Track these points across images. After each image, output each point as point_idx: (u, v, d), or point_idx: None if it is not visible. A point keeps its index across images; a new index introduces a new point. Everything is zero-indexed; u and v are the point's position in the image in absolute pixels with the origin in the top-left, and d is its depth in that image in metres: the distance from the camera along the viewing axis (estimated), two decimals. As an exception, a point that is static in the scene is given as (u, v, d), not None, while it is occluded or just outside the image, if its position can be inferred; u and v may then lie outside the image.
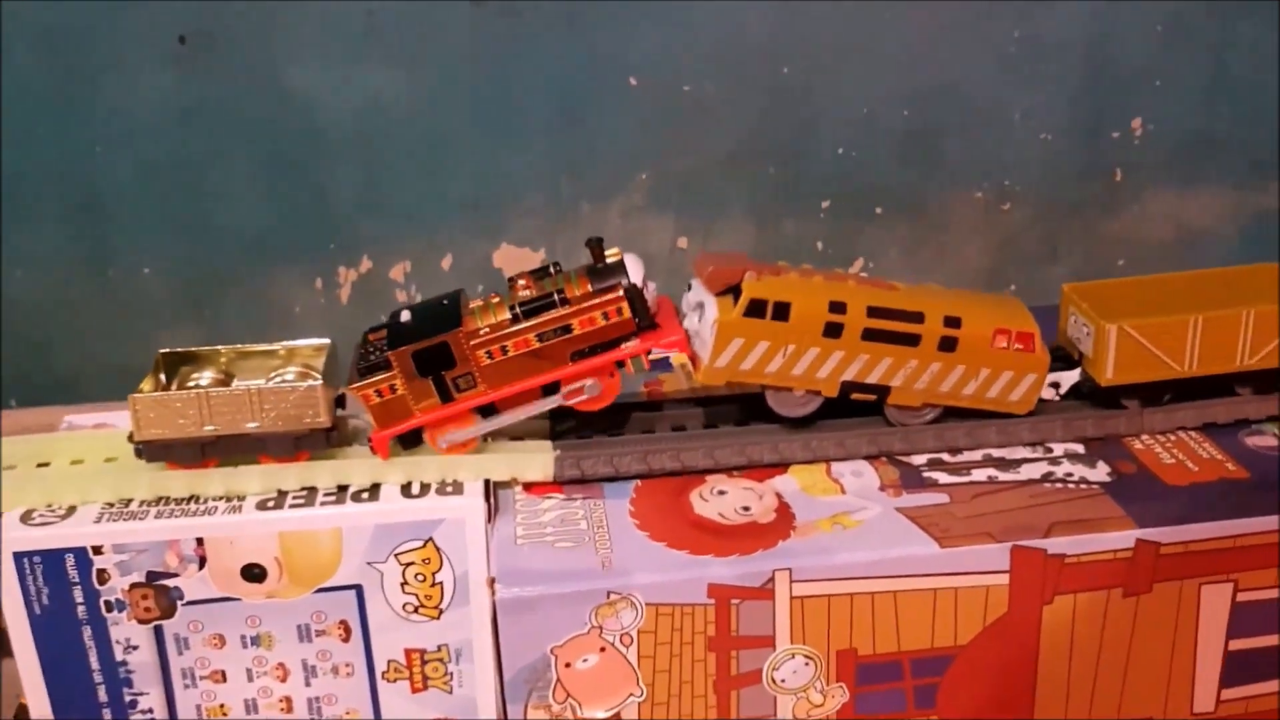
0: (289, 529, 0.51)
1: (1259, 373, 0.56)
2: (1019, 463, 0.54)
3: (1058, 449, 0.55)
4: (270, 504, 0.52)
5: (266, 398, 0.51)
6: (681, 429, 0.57)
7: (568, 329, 0.51)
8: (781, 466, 0.55)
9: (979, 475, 0.54)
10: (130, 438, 0.52)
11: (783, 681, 0.50)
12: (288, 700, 0.54)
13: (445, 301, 0.53)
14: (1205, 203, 1.09)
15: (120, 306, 0.99)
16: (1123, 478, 0.53)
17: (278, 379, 0.55)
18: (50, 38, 0.91)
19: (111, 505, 0.51)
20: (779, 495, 0.53)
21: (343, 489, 0.53)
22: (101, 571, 0.51)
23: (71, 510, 0.51)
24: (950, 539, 0.49)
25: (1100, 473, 0.53)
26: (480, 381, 0.52)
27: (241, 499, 0.52)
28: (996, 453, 0.55)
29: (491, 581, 0.49)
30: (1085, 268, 1.08)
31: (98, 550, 0.50)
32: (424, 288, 1.08)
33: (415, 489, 0.52)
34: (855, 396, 0.54)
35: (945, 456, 0.55)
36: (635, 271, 0.52)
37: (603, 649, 0.49)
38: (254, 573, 0.51)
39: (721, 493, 0.53)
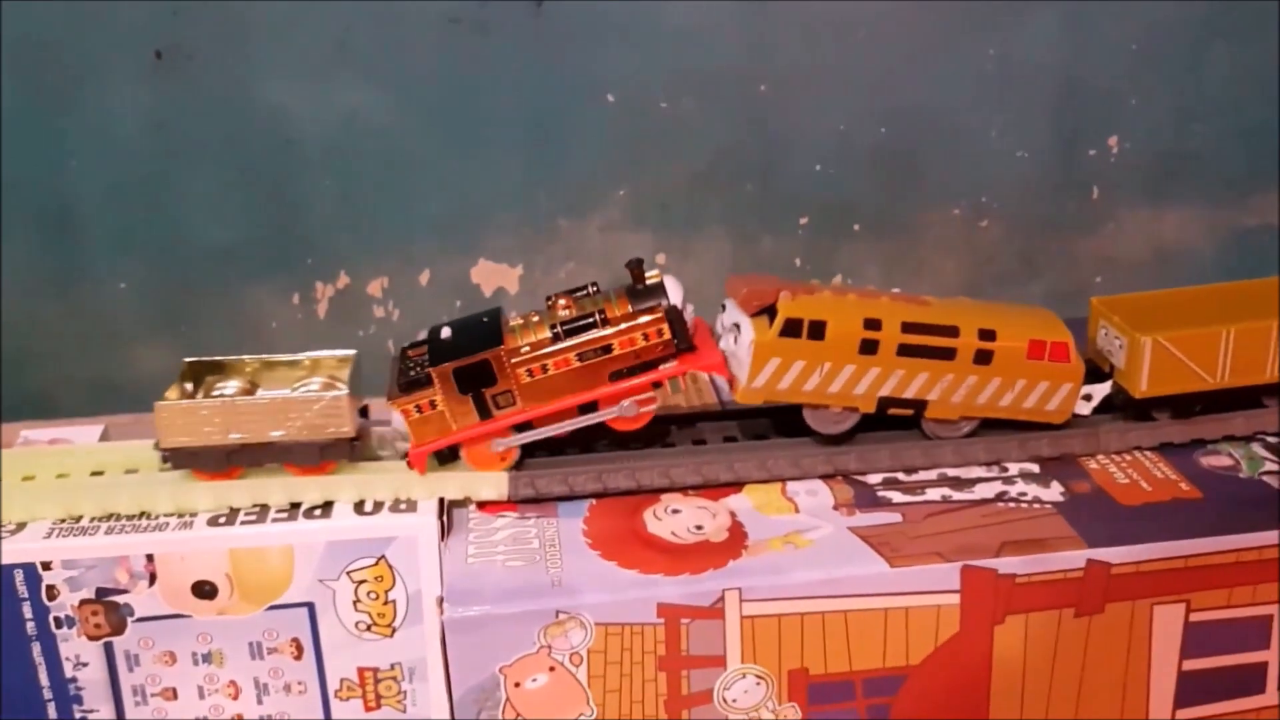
0: (240, 545, 0.51)
1: None
2: (974, 482, 0.54)
3: (1013, 469, 0.55)
4: (221, 520, 0.52)
5: (292, 407, 0.52)
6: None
7: (608, 349, 0.52)
8: (737, 485, 0.55)
9: (933, 494, 0.54)
10: (156, 445, 0.52)
11: (734, 701, 0.50)
12: (239, 718, 0.54)
13: (485, 319, 0.54)
14: (1180, 220, 1.09)
15: (94, 322, 0.99)
16: (1076, 497, 0.53)
17: (302, 389, 0.55)
18: (25, 50, 0.91)
19: (62, 521, 0.51)
20: (733, 514, 0.53)
21: (295, 506, 0.53)
22: (51, 587, 0.50)
23: (21, 526, 0.51)
24: (901, 558, 0.49)
25: (1054, 492, 0.53)
26: (519, 399, 0.52)
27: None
28: (952, 472, 0.55)
29: (440, 601, 0.49)
30: (1062, 284, 1.08)
31: (46, 566, 0.50)
32: (402, 304, 1.09)
33: (369, 506, 0.52)
34: (892, 411, 0.54)
35: (900, 476, 0.55)
36: (675, 293, 0.52)
37: (552, 668, 0.49)
38: (205, 589, 0.51)
39: (676, 511, 0.53)
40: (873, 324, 0.53)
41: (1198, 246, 1.10)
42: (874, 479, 0.55)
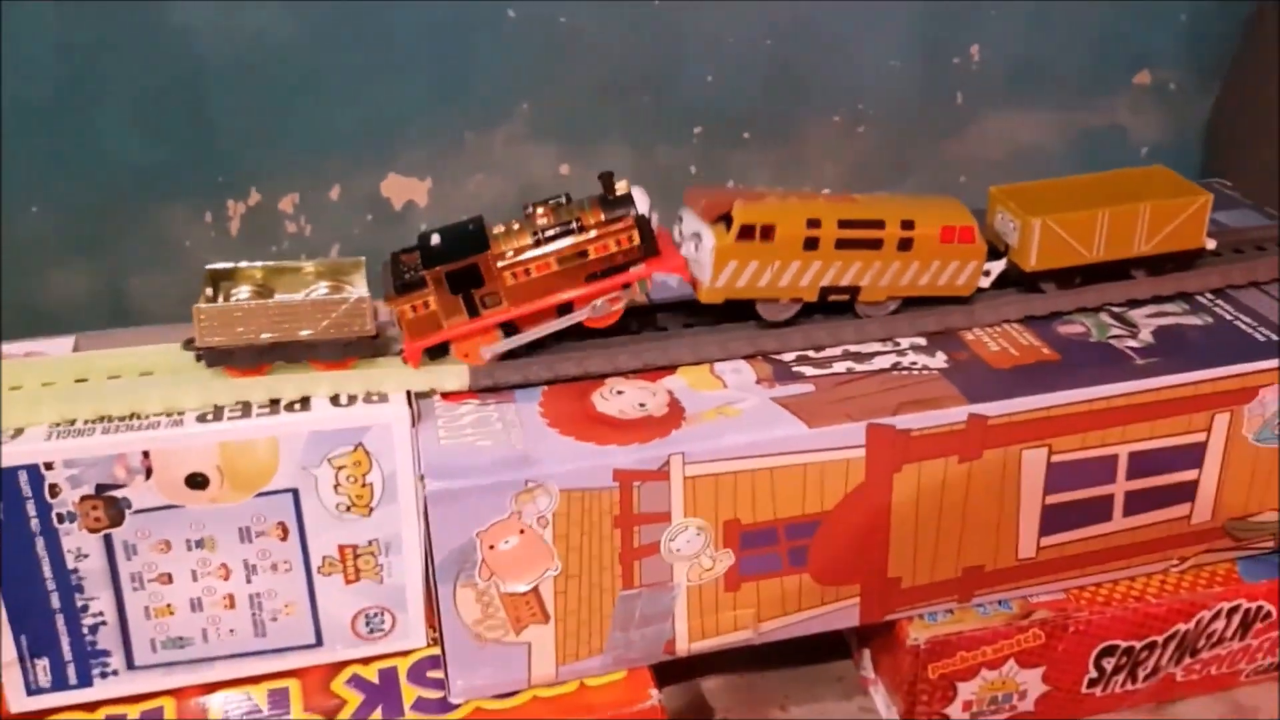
0: (229, 439, 0.56)
1: (1151, 258, 0.65)
2: (872, 355, 0.63)
3: (904, 343, 0.64)
4: (209, 417, 0.56)
5: (320, 308, 0.57)
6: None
7: (584, 254, 0.58)
8: (671, 368, 0.62)
9: (839, 368, 0.62)
10: (187, 344, 0.57)
11: (678, 550, 0.58)
12: (230, 597, 0.59)
13: (471, 226, 0.59)
14: (1035, 122, 1.19)
15: (9, 245, 1.00)
16: (958, 363, 0.62)
17: (314, 293, 0.60)
18: (-76, -26, 0.90)
19: (57, 425, 0.55)
20: (670, 392, 0.60)
21: (275, 402, 0.58)
22: (53, 486, 0.55)
23: (19, 432, 0.55)
24: (817, 420, 0.58)
25: (939, 360, 0.62)
26: (505, 299, 0.58)
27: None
28: (853, 348, 0.64)
29: (421, 477, 0.55)
30: (931, 184, 1.17)
31: (49, 466, 0.54)
32: (314, 219, 1.11)
33: (344, 400, 0.58)
34: (832, 298, 0.62)
35: (811, 353, 0.63)
36: (642, 203, 0.58)
37: (522, 531, 0.56)
38: (197, 481, 0.56)
39: (620, 392, 0.60)
40: (814, 223, 0.60)
41: (1050, 146, 1.21)
42: (788, 357, 0.63)
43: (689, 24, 1.11)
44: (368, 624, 0.61)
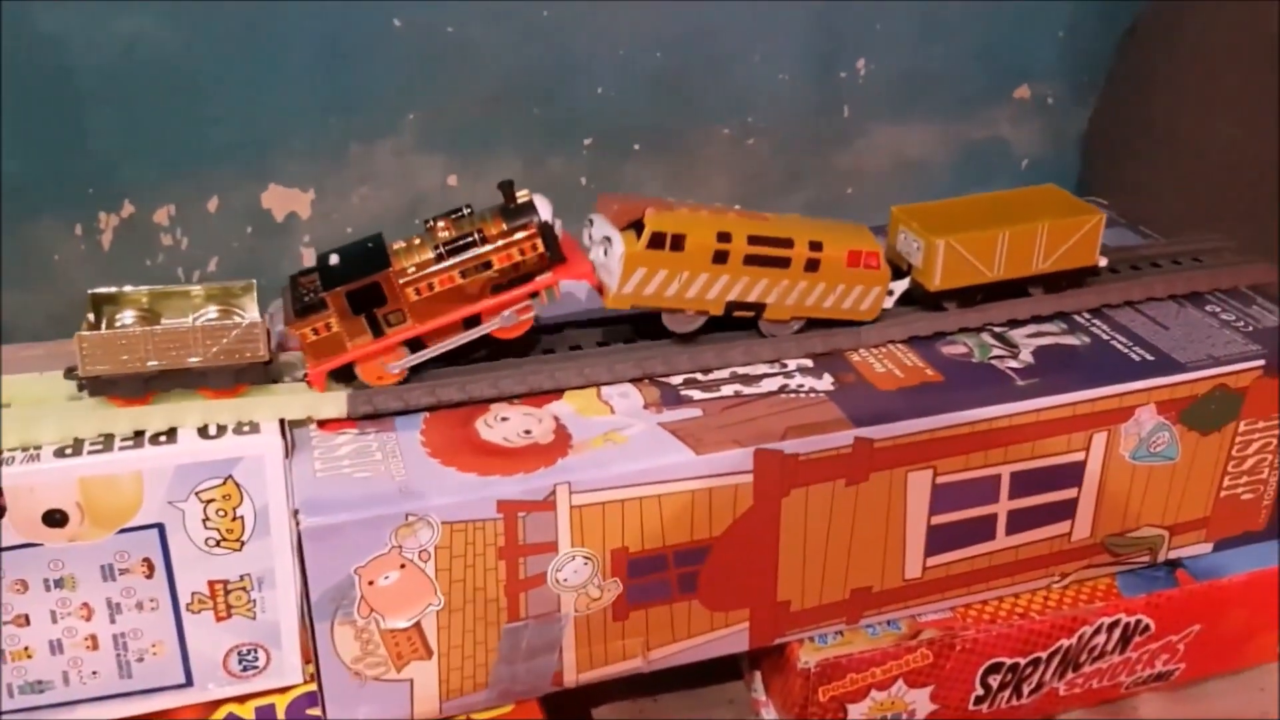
0: (89, 474, 0.53)
1: (1047, 275, 0.66)
2: (760, 378, 0.63)
3: (791, 364, 0.64)
4: (68, 451, 0.53)
5: (210, 334, 0.54)
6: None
7: (488, 265, 0.57)
8: (558, 392, 0.61)
9: (727, 391, 0.62)
10: (69, 373, 0.55)
11: (565, 581, 0.57)
12: (93, 638, 0.56)
13: (370, 244, 0.57)
14: (920, 135, 1.21)
15: None
16: (844, 386, 0.62)
17: (203, 317, 0.57)
18: None
19: (-98, 462, 0.52)
20: (556, 418, 0.59)
21: (139, 434, 0.55)
22: (-106, 528, 0.51)
23: None
24: (703, 447, 0.57)
25: (825, 383, 0.62)
26: (409, 317, 0.56)
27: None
28: (741, 370, 0.63)
29: (295, 513, 0.53)
30: (820, 196, 1.19)
31: (-110, 508, 0.51)
32: (190, 232, 1.07)
33: (213, 430, 0.55)
34: (737, 314, 0.62)
35: (699, 376, 0.63)
36: (545, 210, 0.57)
37: (403, 565, 0.54)
38: (55, 518, 0.53)
39: (504, 419, 0.59)
40: (724, 237, 0.60)
41: (935, 158, 1.23)
42: (676, 380, 0.62)
43: (579, 35, 1.10)
44: (240, 661, 0.58)
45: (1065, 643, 0.65)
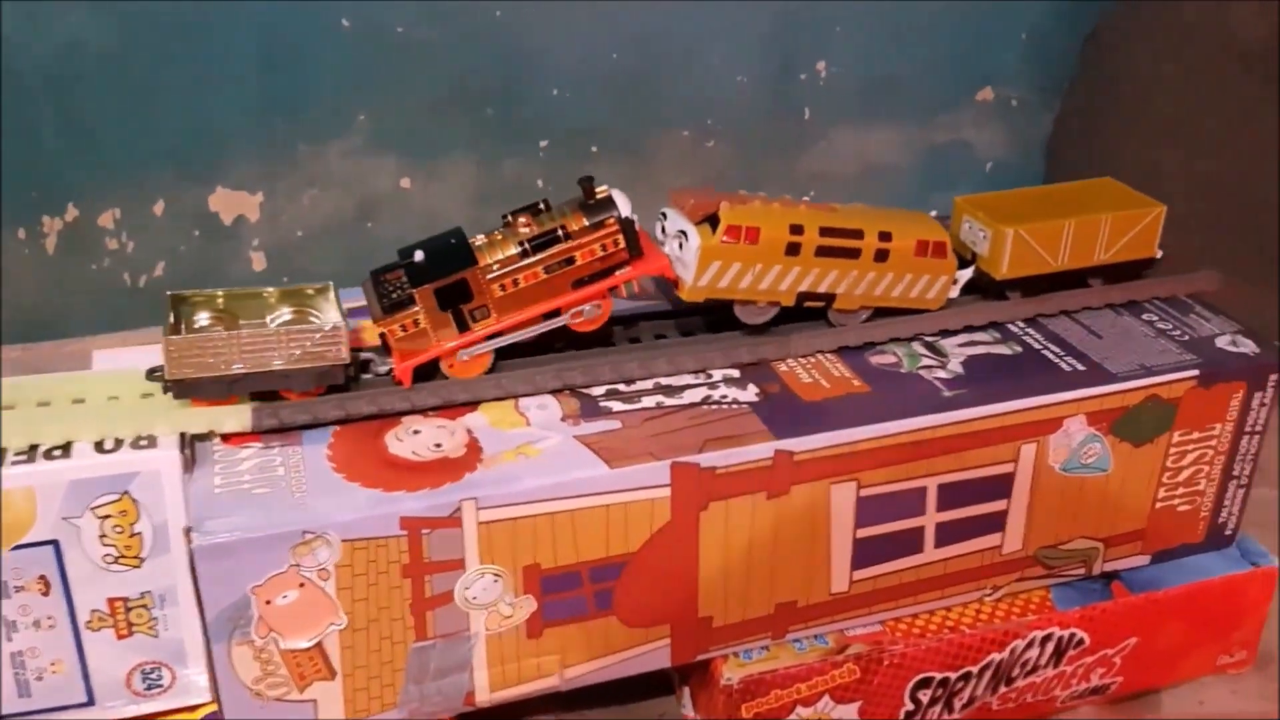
0: (-23, 492, 0.51)
1: (1108, 266, 0.66)
2: (683, 389, 0.61)
3: (717, 374, 0.62)
4: (-44, 469, 0.52)
5: (293, 337, 0.55)
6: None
7: (571, 260, 0.58)
8: (473, 404, 0.60)
9: (649, 402, 0.60)
10: (151, 374, 0.56)
11: (474, 599, 0.55)
12: (-11, 658, 0.55)
13: (453, 240, 0.58)
14: (882, 138, 1.20)
15: None
16: (768, 397, 0.60)
17: (279, 319, 0.58)
18: None
19: None
20: (469, 431, 0.58)
21: (34, 448, 0.53)
22: None
23: None
24: (618, 460, 0.56)
25: (750, 394, 0.61)
26: (494, 312, 0.58)
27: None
28: (665, 380, 0.62)
29: (188, 531, 0.52)
30: (781, 200, 1.17)
31: None
32: (136, 235, 1.06)
33: (109, 444, 0.54)
34: (808, 304, 0.62)
35: (621, 387, 0.61)
36: (624, 206, 0.58)
37: (302, 584, 0.53)
38: (-57, 537, 0.52)
39: (416, 432, 0.58)
40: (796, 229, 0.60)
41: (898, 161, 1.22)
42: (598, 391, 0.61)
43: (533, 36, 1.09)
44: (144, 680, 0.57)
45: (997, 656, 0.64)
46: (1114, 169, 0.73)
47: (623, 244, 0.58)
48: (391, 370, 0.58)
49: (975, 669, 0.64)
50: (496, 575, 0.55)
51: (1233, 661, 0.70)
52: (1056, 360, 0.63)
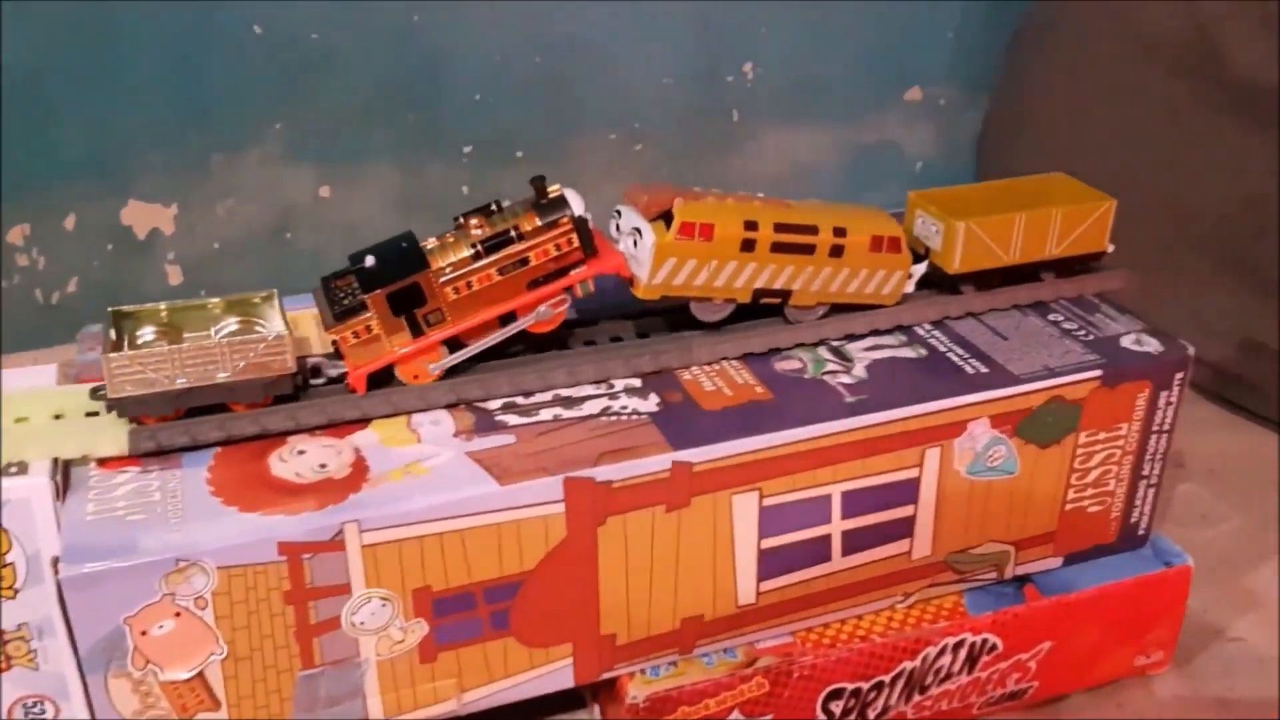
0: None
1: (1060, 260, 0.66)
2: (583, 400, 0.60)
3: (618, 385, 0.61)
4: None
5: (237, 348, 0.54)
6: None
7: (525, 261, 0.57)
8: (364, 422, 0.58)
9: (546, 414, 0.59)
10: (95, 393, 0.55)
11: (362, 624, 0.54)
12: None
13: (404, 244, 0.57)
14: (811, 139, 1.19)
15: None
16: (669, 406, 0.59)
17: (224, 330, 0.57)
18: None
19: None
20: (357, 450, 0.56)
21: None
22: None
23: None
24: (510, 476, 0.54)
25: (650, 404, 0.60)
26: (448, 315, 0.57)
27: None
28: (566, 392, 0.61)
29: (55, 561, 0.50)
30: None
31: None
32: (47, 251, 1.04)
33: (-24, 473, 0.52)
34: (764, 301, 0.61)
35: (519, 400, 0.60)
36: (576, 204, 0.58)
37: (178, 614, 0.51)
38: None
39: (301, 452, 0.56)
40: (751, 225, 0.59)
41: (827, 162, 1.21)
42: (494, 404, 0.59)
43: (453, 41, 1.07)
44: (26, 714, 0.55)
45: (909, 665, 0.63)
46: (1042, 167, 0.73)
47: (577, 243, 0.57)
48: (344, 377, 0.58)
49: (887, 678, 0.63)
50: (385, 599, 0.54)
51: (1150, 662, 0.70)
52: (961, 363, 0.62)
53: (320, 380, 0.59)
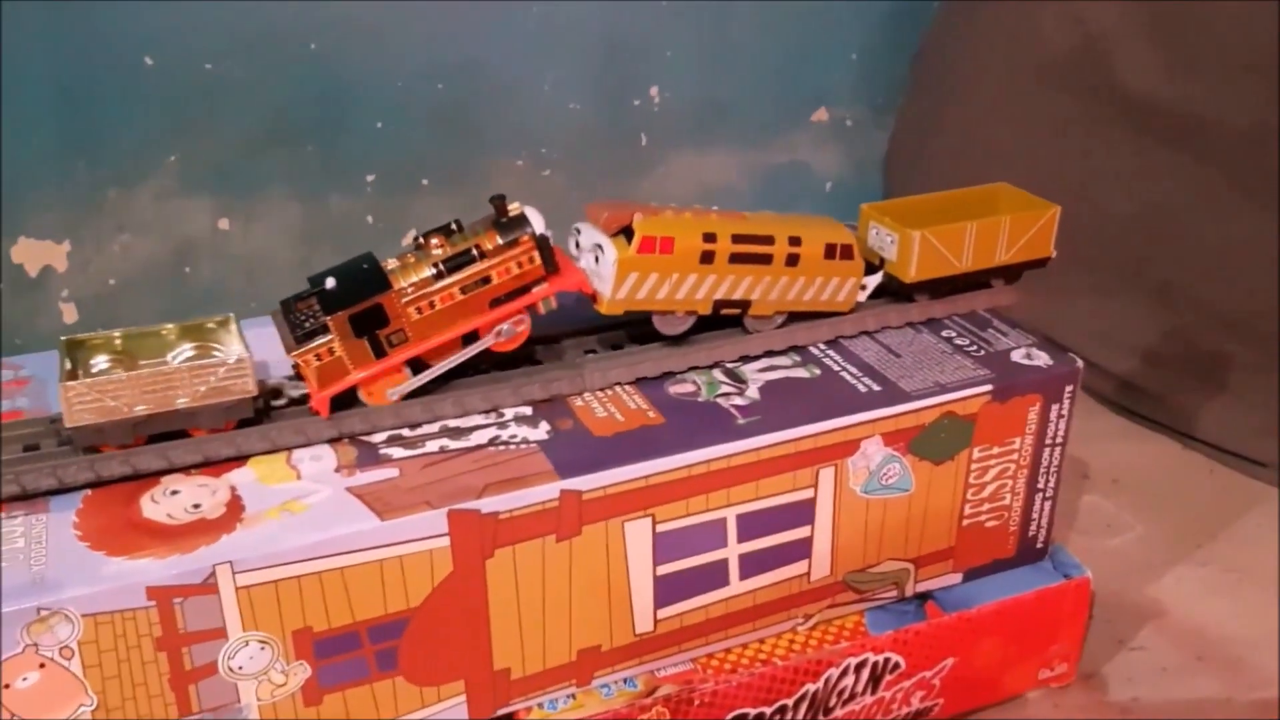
0: None
1: (1009, 266, 0.67)
2: (470, 430, 0.59)
3: (509, 413, 0.60)
4: None
5: (196, 373, 0.53)
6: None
7: (487, 280, 0.57)
8: (241, 459, 0.56)
9: (432, 446, 0.58)
10: (53, 423, 0.54)
11: (240, 669, 0.52)
12: None
13: (365, 265, 0.56)
14: (720, 161, 1.20)
15: None
16: (559, 434, 0.58)
17: (181, 355, 0.56)
18: None
19: None
20: (233, 488, 0.54)
21: None
22: None
23: None
24: (391, 511, 0.53)
25: (540, 432, 0.59)
26: (410, 336, 0.56)
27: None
28: (454, 423, 0.59)
29: (-94, 615, 0.47)
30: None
31: None
32: (-67, 290, 1.00)
33: None
34: (724, 312, 0.62)
35: (405, 432, 0.59)
36: (537, 222, 0.58)
37: (42, 665, 0.49)
38: None
39: (175, 493, 0.54)
40: (710, 237, 0.60)
41: (737, 184, 1.22)
42: (379, 438, 0.58)
43: (351, 69, 1.06)
44: (-114, 782, 0.52)
45: (811, 687, 0.63)
46: (945, 184, 0.73)
47: (538, 261, 0.58)
48: (306, 399, 0.57)
49: (790, 701, 0.63)
50: (264, 642, 0.52)
51: (1054, 675, 0.70)
52: (853, 381, 0.62)
53: (282, 402, 0.58)
